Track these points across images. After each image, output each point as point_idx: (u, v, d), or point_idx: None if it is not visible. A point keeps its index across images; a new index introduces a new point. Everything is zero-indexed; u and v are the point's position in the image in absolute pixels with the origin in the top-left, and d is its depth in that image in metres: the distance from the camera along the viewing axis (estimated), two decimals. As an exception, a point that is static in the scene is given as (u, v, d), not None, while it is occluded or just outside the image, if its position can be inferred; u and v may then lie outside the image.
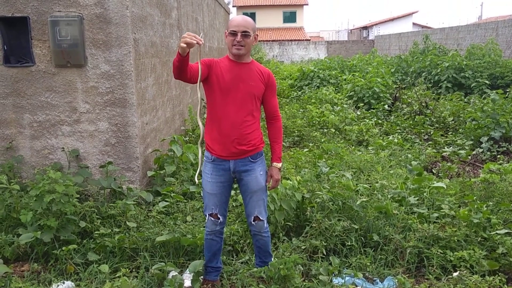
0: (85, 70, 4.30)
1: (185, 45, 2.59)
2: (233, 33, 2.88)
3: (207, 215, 3.13)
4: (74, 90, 4.33)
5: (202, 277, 3.25)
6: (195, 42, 2.60)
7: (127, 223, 3.79)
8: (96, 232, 3.67)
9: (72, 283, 3.20)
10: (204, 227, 3.58)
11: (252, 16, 44.30)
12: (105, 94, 4.33)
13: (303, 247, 3.59)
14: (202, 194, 3.22)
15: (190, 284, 3.20)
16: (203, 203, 3.26)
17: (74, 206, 3.65)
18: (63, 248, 3.38)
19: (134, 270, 3.43)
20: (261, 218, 3.11)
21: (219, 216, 3.11)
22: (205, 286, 3.24)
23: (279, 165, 3.17)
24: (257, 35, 3.05)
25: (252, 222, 3.13)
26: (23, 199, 3.86)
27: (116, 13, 4.19)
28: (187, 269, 3.34)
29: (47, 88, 4.34)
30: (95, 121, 4.38)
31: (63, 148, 4.42)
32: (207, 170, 3.07)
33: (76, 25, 4.16)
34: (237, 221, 4.07)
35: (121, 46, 4.25)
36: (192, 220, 4.01)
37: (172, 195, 4.35)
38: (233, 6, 43.20)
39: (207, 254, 3.25)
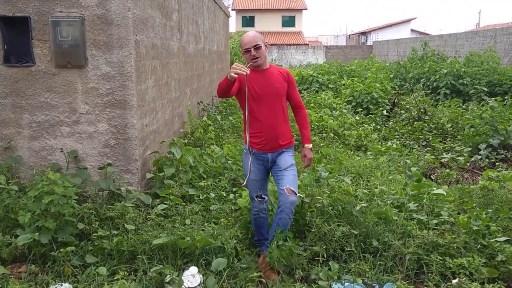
0: (86, 71, 4.28)
1: (235, 76, 3.12)
2: (247, 51, 3.42)
3: (254, 197, 3.62)
4: (74, 91, 4.31)
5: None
6: (245, 73, 3.14)
7: (126, 225, 3.77)
8: (94, 234, 3.64)
9: (70, 285, 3.17)
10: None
11: (251, 20, 44.42)
12: (105, 95, 4.32)
13: (304, 255, 3.57)
14: (245, 183, 3.64)
15: (191, 285, 3.18)
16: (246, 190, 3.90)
17: (73, 207, 3.63)
18: (61, 249, 3.36)
19: (132, 273, 3.41)
20: (293, 190, 3.45)
21: (263, 196, 3.63)
22: (262, 261, 3.56)
23: (310, 145, 3.73)
24: (267, 42, 3.56)
25: (285, 191, 3.43)
26: (21, 200, 3.84)
27: (118, 14, 4.18)
28: (185, 271, 3.33)
29: (47, 88, 4.32)
30: (94, 122, 4.36)
31: (62, 149, 4.39)
32: (247, 160, 3.56)
33: (77, 26, 4.15)
34: (236, 225, 4.05)
35: (122, 47, 4.24)
36: (191, 223, 3.99)
37: (171, 197, 4.33)
38: (233, 10, 43.28)
39: (256, 230, 3.76)
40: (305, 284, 3.34)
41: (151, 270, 3.26)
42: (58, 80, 4.30)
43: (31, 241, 3.39)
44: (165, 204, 4.22)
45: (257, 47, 3.40)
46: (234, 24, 45.12)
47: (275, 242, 3.42)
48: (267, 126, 3.48)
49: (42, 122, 4.38)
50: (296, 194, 3.47)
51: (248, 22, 44.32)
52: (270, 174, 3.69)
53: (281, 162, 3.55)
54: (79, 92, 4.31)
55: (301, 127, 3.76)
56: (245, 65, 3.29)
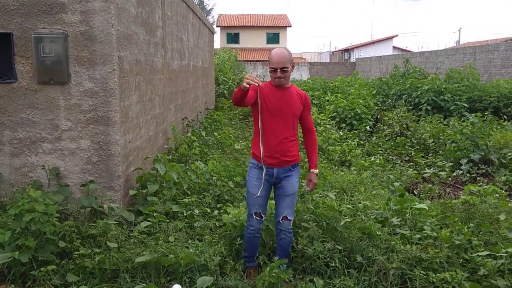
0: (68, 87, 4.25)
1: (248, 86, 3.18)
2: (274, 70, 3.46)
3: (252, 214, 3.62)
4: (56, 107, 4.28)
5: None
6: (257, 84, 3.23)
7: (108, 243, 3.71)
8: (75, 252, 3.58)
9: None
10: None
11: (236, 36, 44.73)
12: (88, 112, 4.29)
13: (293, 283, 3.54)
14: (246, 197, 3.74)
15: None
16: (245, 204, 3.88)
17: (54, 225, 3.57)
18: (42, 268, 3.29)
19: (114, 291, 3.35)
20: (289, 218, 3.61)
21: (262, 214, 3.63)
22: (250, 271, 3.73)
23: (316, 171, 3.80)
24: (294, 63, 3.62)
25: (280, 221, 3.60)
26: (1, 218, 3.76)
27: (101, 31, 4.18)
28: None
29: (29, 105, 4.28)
30: (77, 138, 4.32)
31: (43, 166, 4.34)
32: (252, 174, 3.63)
33: (60, 42, 4.13)
34: (220, 242, 4.02)
35: (105, 63, 4.23)
36: (174, 240, 3.95)
37: (154, 214, 4.29)
38: (218, 26, 43.57)
39: (249, 248, 3.75)
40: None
41: (134, 288, 3.22)
42: (40, 97, 4.27)
43: (11, 260, 3.32)
44: (148, 221, 4.18)
45: (284, 70, 3.46)
46: (219, 40, 45.43)
47: (268, 269, 3.34)
48: (276, 141, 3.52)
49: (24, 138, 4.32)
50: (291, 220, 3.63)
51: (233, 38, 44.65)
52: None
53: (287, 187, 3.61)
54: (61, 109, 4.28)
55: (309, 152, 3.81)
56: (259, 77, 3.41)
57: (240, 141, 9.28)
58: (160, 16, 6.40)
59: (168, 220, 4.36)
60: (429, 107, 13.37)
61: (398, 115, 10.95)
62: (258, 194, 3.55)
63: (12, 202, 3.78)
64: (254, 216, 3.62)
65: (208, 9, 52.37)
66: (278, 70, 3.45)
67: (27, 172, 4.37)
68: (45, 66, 4.17)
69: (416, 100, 13.93)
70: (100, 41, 4.20)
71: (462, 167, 7.19)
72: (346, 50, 53.88)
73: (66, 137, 4.32)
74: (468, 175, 7.00)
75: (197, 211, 4.66)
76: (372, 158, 7.89)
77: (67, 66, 4.20)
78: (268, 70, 3.55)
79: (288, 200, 3.62)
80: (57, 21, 4.17)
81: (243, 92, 3.26)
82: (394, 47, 50.53)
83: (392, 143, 9.17)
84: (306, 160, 4.02)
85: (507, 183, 6.48)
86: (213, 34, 16.99)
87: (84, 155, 4.35)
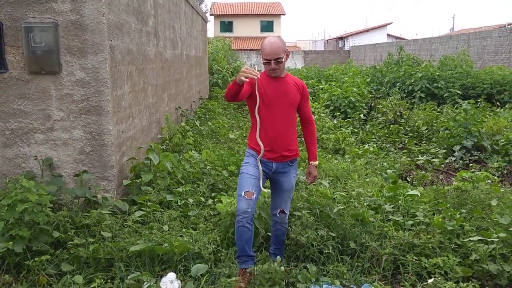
0: (60, 77, 4.23)
1: (246, 79, 2.97)
2: (267, 62, 3.26)
3: (242, 194, 3.27)
4: (48, 98, 4.25)
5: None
6: (256, 77, 3.02)
7: (102, 233, 3.72)
8: (70, 242, 3.58)
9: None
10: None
11: (230, 25, 44.49)
12: (80, 102, 4.27)
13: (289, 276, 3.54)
14: (238, 181, 3.40)
15: None
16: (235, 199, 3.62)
17: (47, 215, 3.57)
18: (36, 258, 3.30)
19: (109, 280, 3.35)
20: (285, 212, 3.55)
21: (254, 193, 3.27)
22: (242, 274, 3.34)
23: (316, 163, 3.63)
24: (288, 51, 3.39)
25: (277, 214, 3.54)
26: (-6, 208, 3.75)
27: (92, 20, 4.15)
28: (163, 277, 3.31)
29: (20, 95, 4.25)
30: (69, 129, 4.31)
31: (36, 156, 4.32)
32: (250, 160, 3.40)
33: (51, 32, 4.10)
34: (214, 230, 4.04)
35: (97, 53, 4.20)
36: (169, 229, 3.96)
37: (148, 204, 4.30)
38: (211, 15, 43.28)
39: (239, 244, 3.36)
40: (284, 287, 3.35)
41: (128, 277, 3.23)
42: (32, 87, 4.24)
43: (5, 250, 3.32)
44: (142, 210, 4.19)
45: (278, 61, 3.26)
46: (212, 29, 45.14)
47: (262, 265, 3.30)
48: (276, 134, 3.34)
49: (16, 129, 4.30)
50: (286, 213, 3.56)
51: (227, 27, 44.39)
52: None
53: (286, 183, 3.49)
54: (53, 99, 4.26)
55: (308, 143, 3.66)
56: (252, 66, 3.27)
57: (235, 131, 9.27)
58: (152, 5, 6.35)
59: (162, 209, 4.38)
60: (422, 95, 13.39)
61: (392, 103, 10.97)
62: (252, 174, 3.32)
63: (5, 192, 3.78)
64: (244, 196, 3.26)
65: (201, -2, 51.97)
66: (272, 62, 3.25)
67: (20, 163, 4.35)
68: (36, 55, 4.14)
69: (410, 87, 13.94)
70: (91, 30, 4.16)
71: (455, 153, 7.23)
72: (341, 38, 53.73)
73: (58, 127, 4.30)
74: (461, 161, 7.04)
75: (191, 200, 4.67)
76: (366, 146, 7.92)
77: (58, 55, 4.16)
78: (262, 61, 3.33)
79: (286, 195, 3.53)
80: (47, 10, 4.12)
81: (238, 87, 3.08)
82: (388, 35, 50.46)
83: (386, 131, 9.20)
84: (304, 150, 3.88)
85: (499, 169, 6.53)
86: (207, 22, 16.88)
87: (77, 145, 4.34)
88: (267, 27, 44.66)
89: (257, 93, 3.20)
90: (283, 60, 3.29)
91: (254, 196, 3.28)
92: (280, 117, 3.36)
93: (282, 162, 3.43)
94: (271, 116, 3.33)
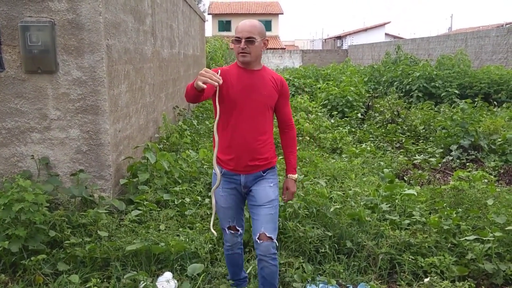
0: (56, 77, 4.22)
1: (203, 86, 2.45)
2: (237, 40, 2.69)
3: (225, 229, 2.96)
4: (45, 97, 4.25)
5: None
6: (216, 84, 2.46)
7: (98, 232, 3.72)
8: (66, 241, 3.58)
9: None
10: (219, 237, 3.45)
11: (228, 24, 44.48)
12: (77, 101, 4.26)
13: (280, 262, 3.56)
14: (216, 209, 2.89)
15: None
16: (217, 219, 3.05)
17: (44, 215, 3.56)
18: (32, 258, 3.30)
19: (105, 280, 3.36)
20: (267, 235, 2.75)
21: (237, 228, 2.96)
22: None
23: (295, 176, 3.00)
24: (267, 40, 2.82)
25: (257, 240, 2.77)
26: (-10, 208, 3.74)
27: (89, 19, 4.14)
28: (159, 277, 3.31)
29: (17, 94, 4.24)
30: (66, 128, 4.30)
31: (32, 155, 4.32)
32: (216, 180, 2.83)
33: (47, 31, 4.09)
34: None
35: (93, 52, 4.20)
36: (165, 229, 3.96)
37: (145, 203, 4.30)
38: (209, 14, 43.27)
39: (230, 269, 3.15)
40: (280, 286, 3.35)
41: (125, 276, 3.23)
42: (28, 86, 4.23)
43: (1, 249, 3.32)
44: (139, 210, 4.19)
45: (250, 40, 2.66)
46: (210, 28, 45.09)
47: None
48: (241, 139, 2.76)
49: (12, 128, 4.29)
50: (272, 239, 2.78)
51: (225, 26, 44.37)
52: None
53: (259, 195, 2.82)
54: (50, 98, 4.25)
55: (287, 152, 3.02)
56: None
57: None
58: (149, 4, 6.34)
59: (159, 209, 4.37)
60: (420, 94, 13.42)
61: (389, 102, 10.99)
62: (225, 206, 2.89)
63: (1, 192, 3.77)
64: (228, 231, 2.96)
65: (199, -3, 51.94)
66: (242, 41, 2.66)
67: (16, 162, 4.35)
68: (32, 55, 4.13)
69: (407, 87, 13.96)
70: (87, 29, 4.16)
71: (452, 153, 7.24)
72: (339, 37, 53.77)
73: (55, 127, 4.29)
74: (458, 161, 7.06)
75: (188, 200, 4.67)
76: (363, 145, 7.92)
77: (54, 55, 4.16)
78: (232, 44, 2.75)
79: (264, 212, 2.78)
80: (44, 9, 4.12)
81: (196, 92, 2.54)
82: (386, 34, 50.51)
83: (383, 130, 9.21)
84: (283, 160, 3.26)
85: (496, 168, 6.55)
86: (204, 22, 16.86)
87: (74, 145, 4.33)
88: (265, 26, 43.51)
89: (217, 104, 2.61)
90: (255, 41, 2.68)
91: (239, 230, 2.99)
92: (249, 119, 2.76)
93: (251, 173, 2.83)
94: (238, 117, 2.75)
